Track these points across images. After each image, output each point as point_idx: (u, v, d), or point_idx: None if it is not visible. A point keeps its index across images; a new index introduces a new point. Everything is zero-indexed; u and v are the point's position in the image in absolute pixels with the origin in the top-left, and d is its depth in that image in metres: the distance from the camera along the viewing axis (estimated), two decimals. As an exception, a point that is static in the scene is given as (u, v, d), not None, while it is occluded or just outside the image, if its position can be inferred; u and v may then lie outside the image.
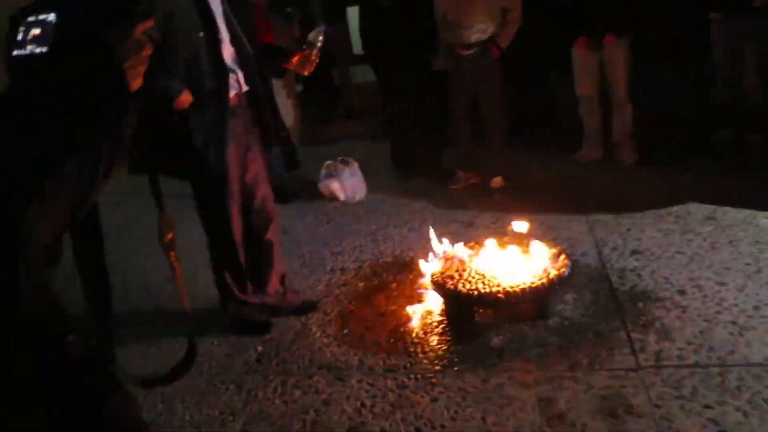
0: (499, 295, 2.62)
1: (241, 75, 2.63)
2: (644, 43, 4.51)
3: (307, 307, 3.07)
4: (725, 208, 3.58)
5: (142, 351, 2.82)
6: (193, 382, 2.62)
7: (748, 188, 3.82)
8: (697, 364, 2.30)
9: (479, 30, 4.23)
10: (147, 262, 3.71)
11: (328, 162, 4.82)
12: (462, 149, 4.74)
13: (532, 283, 2.65)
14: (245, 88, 2.66)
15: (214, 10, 2.51)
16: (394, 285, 3.26)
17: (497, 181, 4.51)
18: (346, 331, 2.87)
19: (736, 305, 2.62)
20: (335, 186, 4.70)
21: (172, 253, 1.52)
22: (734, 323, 2.50)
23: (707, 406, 2.10)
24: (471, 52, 4.30)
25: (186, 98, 2.46)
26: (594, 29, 4.47)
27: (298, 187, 4.94)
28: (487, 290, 2.65)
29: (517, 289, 2.62)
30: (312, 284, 3.40)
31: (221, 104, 2.54)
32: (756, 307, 2.59)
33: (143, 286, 3.49)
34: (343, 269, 3.54)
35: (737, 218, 3.44)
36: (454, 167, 4.78)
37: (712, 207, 3.62)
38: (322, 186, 4.77)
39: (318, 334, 2.86)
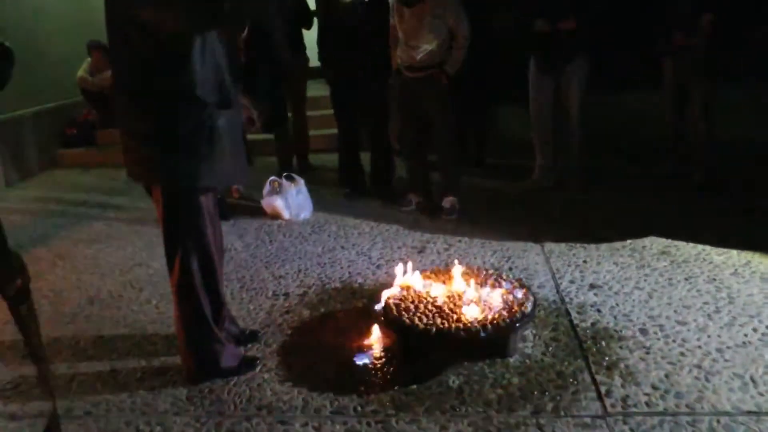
0: (460, 331, 2.43)
1: None
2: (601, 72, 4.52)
3: (247, 338, 2.79)
4: (678, 243, 3.55)
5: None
6: (111, 423, 2.29)
7: (699, 223, 3.83)
8: (666, 412, 2.17)
9: (425, 51, 4.10)
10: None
11: (272, 178, 4.55)
12: (410, 171, 4.58)
13: (494, 318, 2.48)
14: None
15: None
16: (342, 314, 3.03)
17: (449, 201, 4.35)
18: (289, 365, 2.60)
19: (699, 347, 2.53)
20: (279, 204, 4.44)
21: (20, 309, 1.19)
22: (699, 367, 2.40)
23: (680, 460, 1.97)
24: (418, 75, 4.16)
25: None
26: (550, 55, 4.44)
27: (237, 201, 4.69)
28: (446, 325, 2.46)
29: (477, 325, 2.44)
30: (252, 311, 3.11)
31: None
32: (719, 350, 2.50)
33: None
34: (286, 295, 3.27)
35: (691, 254, 3.41)
36: (404, 189, 4.61)
37: (666, 241, 3.58)
38: (265, 203, 4.50)
39: (258, 369, 2.58)
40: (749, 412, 2.13)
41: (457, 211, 4.32)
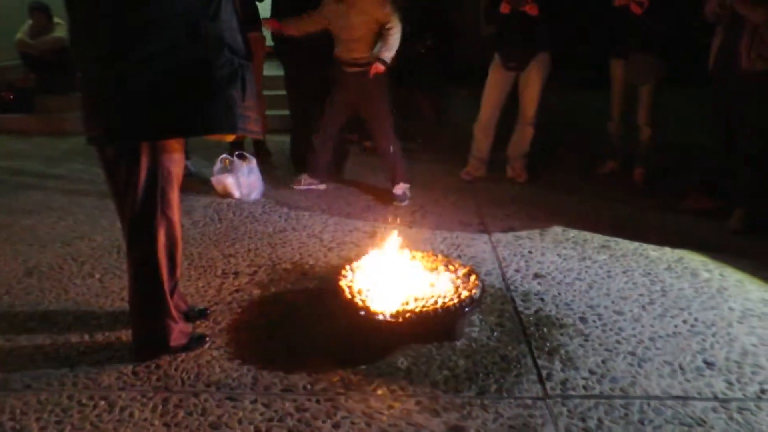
0: (409, 314, 2.48)
1: None
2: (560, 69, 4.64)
3: (195, 315, 2.76)
4: (618, 238, 3.71)
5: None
6: (53, 396, 2.24)
7: (638, 220, 4.02)
8: (601, 395, 2.29)
9: (357, 48, 4.15)
10: None
11: (223, 156, 4.48)
12: (316, 157, 4.61)
13: (444, 303, 2.54)
14: None
15: None
16: (292, 295, 3.04)
17: (401, 188, 4.40)
18: (238, 343, 2.60)
19: (633, 336, 2.68)
20: (230, 182, 4.38)
21: None
22: (633, 354, 2.54)
23: (613, 439, 2.08)
24: (354, 70, 4.19)
25: None
26: (513, 52, 4.52)
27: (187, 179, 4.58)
28: (398, 308, 2.51)
29: (428, 309, 2.50)
30: (201, 288, 3.08)
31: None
32: (651, 339, 2.65)
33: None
34: (236, 273, 3.25)
35: (629, 249, 3.58)
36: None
37: (607, 236, 3.74)
38: (215, 180, 4.43)
39: (207, 346, 2.56)
40: (677, 397, 2.27)
41: (408, 198, 4.37)
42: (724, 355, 2.53)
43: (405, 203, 4.33)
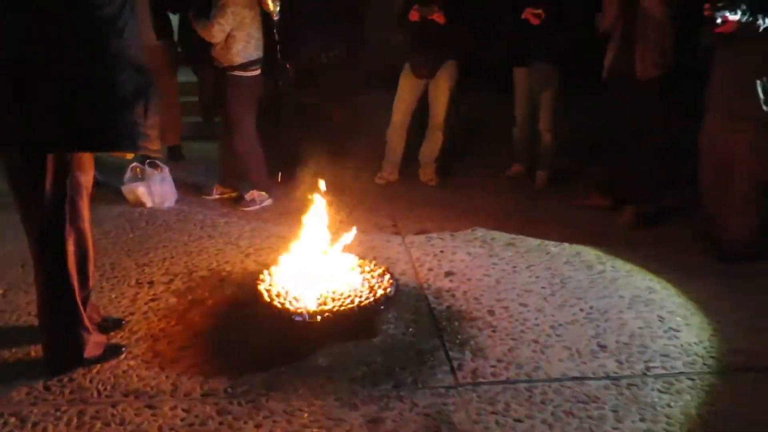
0: (327, 314, 2.57)
1: None
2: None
3: (110, 325, 2.72)
4: (522, 236, 3.96)
5: None
6: (-43, 417, 2.15)
7: (541, 219, 4.29)
8: (508, 381, 2.47)
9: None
10: None
11: (134, 164, 4.39)
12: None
13: (361, 301, 2.65)
14: None
15: None
16: (210, 301, 3.04)
17: (251, 194, 4.45)
18: (155, 352, 2.59)
19: (537, 325, 2.89)
20: (142, 191, 4.30)
21: None
22: (536, 342, 2.75)
23: (518, 420, 2.25)
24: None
25: None
26: (422, 59, 4.71)
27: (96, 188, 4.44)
28: (316, 309, 2.59)
29: (346, 308, 2.59)
30: (114, 299, 3.03)
31: None
32: (552, 327, 2.87)
33: None
34: (151, 283, 3.21)
35: (533, 245, 3.83)
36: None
37: (512, 234, 3.98)
38: (126, 189, 4.33)
39: (123, 356, 2.54)
40: (574, 378, 2.49)
41: (257, 204, 4.41)
42: (615, 338, 2.79)
43: (251, 208, 4.37)
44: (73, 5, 2.08)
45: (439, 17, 4.43)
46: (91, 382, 2.38)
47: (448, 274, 3.42)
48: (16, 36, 2.07)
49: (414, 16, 4.48)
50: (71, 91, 2.11)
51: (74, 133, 2.16)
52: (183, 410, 2.24)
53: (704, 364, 2.61)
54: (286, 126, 5.13)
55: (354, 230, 3.15)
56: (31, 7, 2.06)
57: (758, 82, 3.28)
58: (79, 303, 2.36)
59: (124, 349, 2.57)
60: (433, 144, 4.96)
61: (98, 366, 2.46)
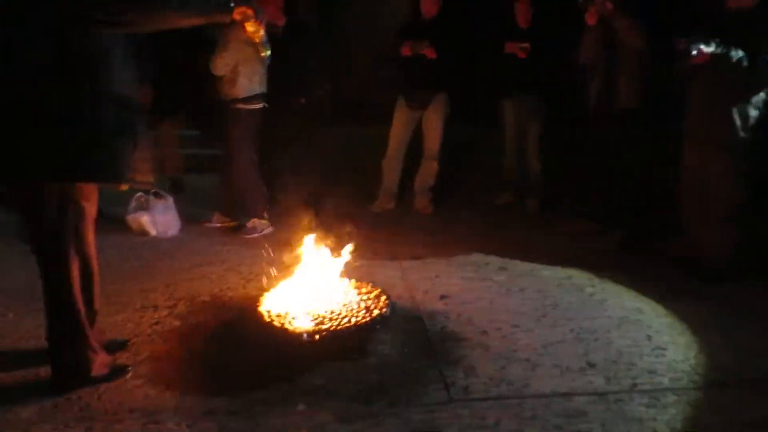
0: (325, 333, 2.67)
1: None
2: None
3: (115, 347, 2.82)
4: (515, 261, 4.08)
5: None
6: (-31, 434, 2.25)
7: (532, 244, 4.42)
8: (498, 397, 2.56)
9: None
10: None
11: (139, 194, 4.53)
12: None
13: (357, 321, 2.76)
14: None
15: None
16: (212, 324, 3.15)
17: (252, 222, 4.60)
18: (159, 372, 2.68)
19: (528, 344, 2.98)
20: (145, 220, 4.43)
21: None
22: (527, 360, 2.84)
23: (509, 435, 2.34)
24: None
25: None
26: (414, 92, 4.91)
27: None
28: (314, 328, 2.69)
29: (343, 327, 2.70)
30: (119, 322, 3.14)
31: None
32: (543, 346, 2.97)
33: None
34: (155, 307, 3.32)
35: (525, 269, 3.94)
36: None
37: (505, 259, 4.10)
38: (131, 218, 4.46)
39: (128, 376, 2.63)
40: (563, 394, 2.58)
41: (258, 232, 4.56)
42: (604, 356, 2.88)
43: (252, 236, 4.51)
44: (56, 39, 2.20)
45: (430, 52, 4.65)
46: (98, 400, 2.47)
47: (442, 296, 3.52)
48: None
49: (406, 51, 4.69)
50: (48, 123, 2.24)
51: (53, 164, 2.28)
52: (186, 426, 2.33)
53: (689, 380, 2.70)
54: (280, 155, 5.28)
55: (351, 255, 3.26)
56: (13, 39, 2.20)
57: (734, 109, 3.44)
58: (86, 324, 2.47)
59: (129, 369, 2.67)
60: (427, 173, 5.12)
61: (105, 385, 2.55)
